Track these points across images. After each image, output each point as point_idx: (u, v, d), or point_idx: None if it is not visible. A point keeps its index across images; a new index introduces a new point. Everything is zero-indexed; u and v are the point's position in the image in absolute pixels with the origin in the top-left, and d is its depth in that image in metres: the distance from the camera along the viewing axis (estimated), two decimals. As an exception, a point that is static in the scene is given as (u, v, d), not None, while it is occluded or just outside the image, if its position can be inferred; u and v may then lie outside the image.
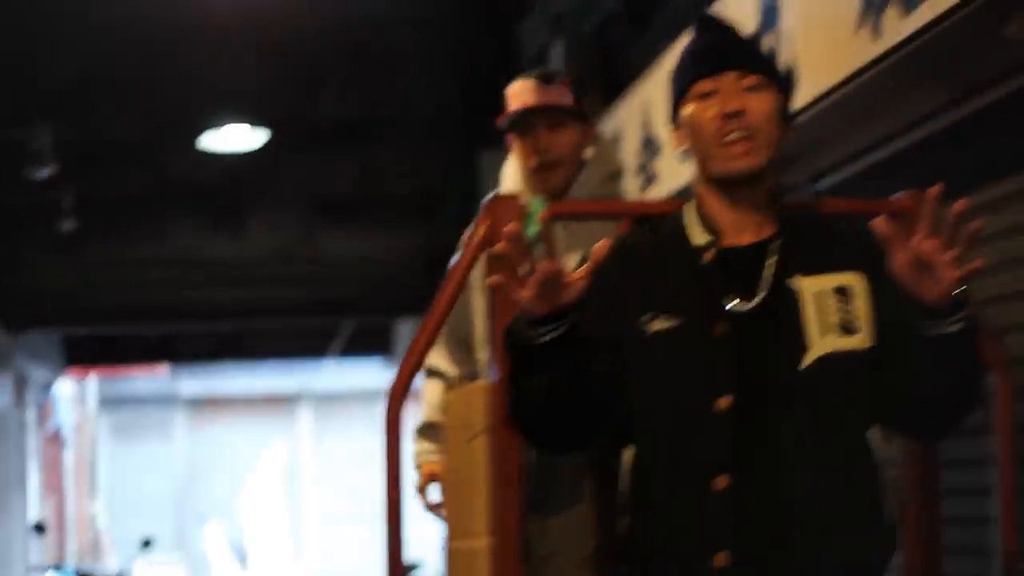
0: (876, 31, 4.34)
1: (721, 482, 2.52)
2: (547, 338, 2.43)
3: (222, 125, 11.19)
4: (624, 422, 2.61)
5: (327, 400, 23.22)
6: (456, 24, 12.06)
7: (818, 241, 2.67)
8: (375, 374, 16.69)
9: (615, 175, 3.92)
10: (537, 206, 3.04)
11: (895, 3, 4.21)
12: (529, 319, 2.42)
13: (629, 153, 7.04)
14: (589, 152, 3.82)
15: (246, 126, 11.24)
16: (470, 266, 3.08)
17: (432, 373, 3.84)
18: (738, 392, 2.54)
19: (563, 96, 3.74)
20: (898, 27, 4.20)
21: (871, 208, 3.57)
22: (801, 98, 4.96)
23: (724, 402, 2.54)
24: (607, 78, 8.60)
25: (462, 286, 3.10)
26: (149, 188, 11.84)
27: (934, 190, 2.44)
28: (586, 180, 3.77)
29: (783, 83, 2.71)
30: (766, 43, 5.24)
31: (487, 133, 10.27)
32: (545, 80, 3.75)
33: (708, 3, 5.99)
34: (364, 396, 20.70)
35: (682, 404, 2.57)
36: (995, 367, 3.24)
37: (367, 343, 15.02)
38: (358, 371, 18.38)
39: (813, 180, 5.59)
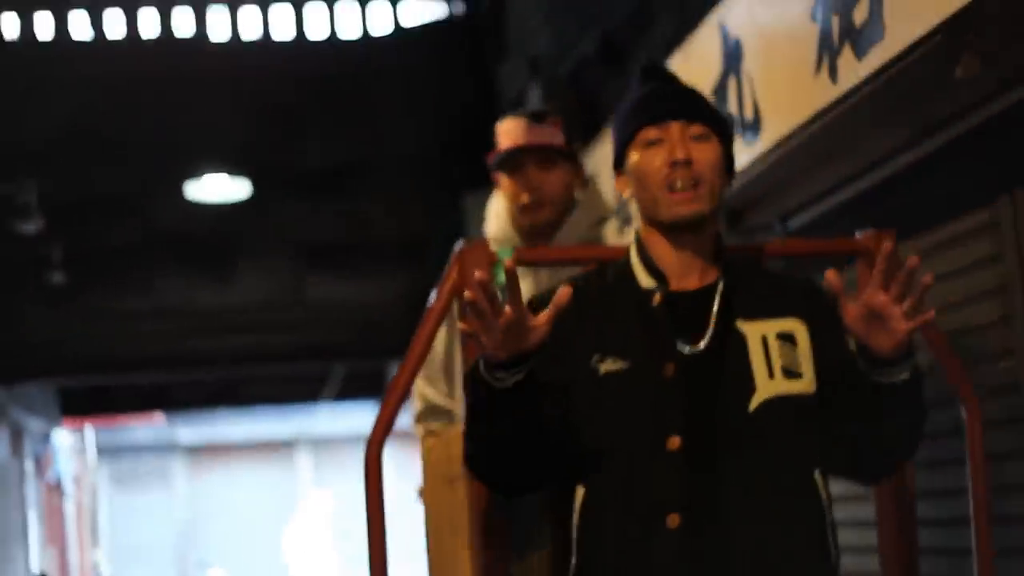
0: (833, 74, 4.44)
1: (672, 520, 2.56)
2: (507, 383, 2.48)
3: (207, 176, 11.28)
4: (575, 462, 2.65)
5: (324, 444, 23.22)
6: (437, 69, 12.17)
7: (761, 288, 2.73)
8: (370, 417, 16.68)
9: (602, 220, 3.94)
10: (505, 254, 3.10)
11: (849, 47, 4.30)
12: (491, 363, 2.47)
13: (605, 194, 7.10)
14: (579, 195, 3.83)
15: (231, 176, 11.33)
16: (443, 311, 3.13)
17: (436, 410, 3.86)
18: (687, 432, 2.59)
19: (554, 136, 3.75)
20: (854, 70, 4.29)
21: (834, 247, 3.68)
22: (766, 139, 5.07)
23: (674, 442, 2.59)
24: (583, 120, 8.69)
25: (435, 331, 3.14)
26: (137, 239, 11.88)
27: (887, 245, 2.50)
28: (577, 222, 3.79)
29: (726, 134, 2.76)
30: (729, 86, 5.35)
31: (471, 176, 10.41)
32: (536, 119, 3.76)
33: (674, 47, 6.11)
34: (360, 439, 20.70)
35: (633, 444, 2.61)
36: (964, 399, 3.32)
37: (360, 387, 15.05)
38: (353, 415, 18.40)
39: (782, 220, 5.66)
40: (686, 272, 2.70)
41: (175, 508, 24.04)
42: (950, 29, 3.82)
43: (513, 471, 2.66)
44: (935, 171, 4.71)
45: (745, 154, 5.26)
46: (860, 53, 4.24)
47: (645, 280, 2.72)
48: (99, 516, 21.57)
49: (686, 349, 2.65)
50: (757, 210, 5.70)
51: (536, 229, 3.76)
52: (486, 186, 3.98)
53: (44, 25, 12.26)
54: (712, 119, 2.74)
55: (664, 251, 2.71)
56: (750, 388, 2.63)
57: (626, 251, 2.80)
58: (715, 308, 2.68)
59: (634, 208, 2.77)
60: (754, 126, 5.15)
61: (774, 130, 4.98)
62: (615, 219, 6.99)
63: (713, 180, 2.67)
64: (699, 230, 2.69)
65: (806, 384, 2.65)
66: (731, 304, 2.69)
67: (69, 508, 18.68)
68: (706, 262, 2.72)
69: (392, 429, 3.12)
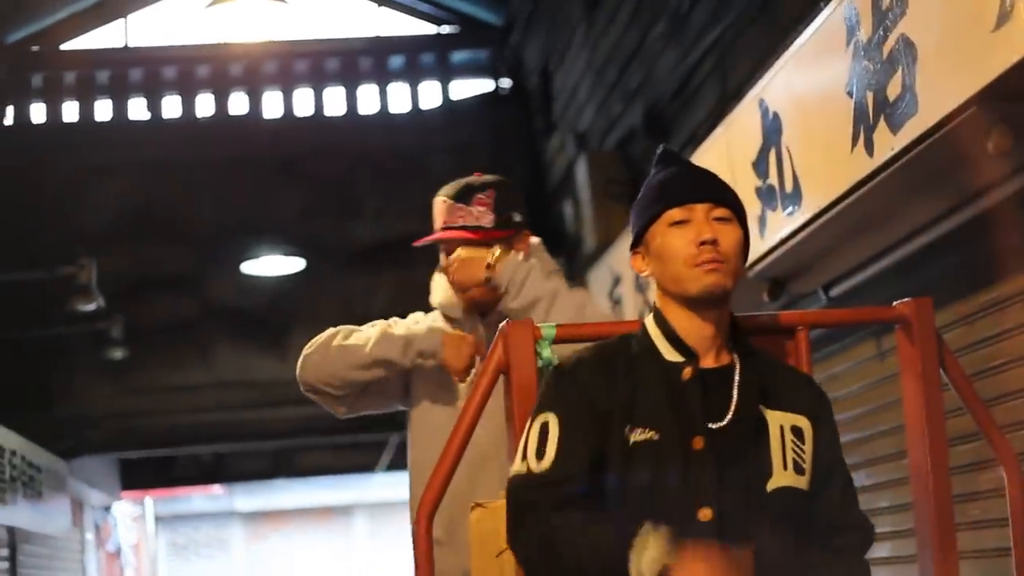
0: (869, 147, 4.54)
1: None
2: None
3: (261, 253, 11.44)
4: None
5: (381, 508, 23.22)
6: (486, 143, 12.30)
7: (777, 379, 2.82)
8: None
9: (554, 272, 3.78)
10: (549, 330, 3.10)
11: (884, 120, 4.41)
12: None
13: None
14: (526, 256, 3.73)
15: (285, 254, 11.49)
16: (489, 388, 3.09)
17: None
18: (718, 504, 2.65)
19: (481, 217, 3.65)
20: (889, 143, 4.39)
21: (872, 316, 3.74)
22: (807, 210, 5.16)
23: (706, 513, 2.64)
24: (630, 190, 8.82)
25: (482, 407, 3.08)
26: (194, 314, 12.06)
27: None
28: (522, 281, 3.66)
29: (745, 219, 2.82)
30: (770, 159, 5.45)
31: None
32: (462, 199, 3.66)
33: (716, 120, 6.23)
34: (416, 505, 20.67)
35: (666, 514, 2.63)
36: (1004, 463, 3.30)
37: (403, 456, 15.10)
38: (391, 482, 18.35)
39: (824, 288, 5.74)
40: (708, 348, 2.77)
41: (233, 574, 24.10)
42: (982, 102, 3.91)
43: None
44: (971, 240, 4.78)
45: (786, 225, 5.35)
46: (894, 127, 4.34)
47: (669, 354, 2.77)
48: (158, 584, 21.71)
49: (712, 424, 2.71)
50: (799, 279, 5.78)
51: (477, 307, 3.72)
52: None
53: (102, 108, 12.54)
54: (734, 204, 2.80)
55: (688, 326, 2.76)
56: (768, 471, 2.71)
57: (642, 326, 2.84)
58: (735, 387, 2.74)
59: (654, 285, 2.83)
60: (794, 197, 5.24)
61: (814, 201, 5.07)
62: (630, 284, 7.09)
63: (735, 260, 2.74)
64: (720, 306, 2.76)
65: (806, 482, 2.75)
66: (750, 388, 2.76)
67: (129, 576, 18.82)
68: (723, 342, 2.78)
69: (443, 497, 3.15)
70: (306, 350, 3.75)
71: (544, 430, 2.75)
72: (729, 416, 2.73)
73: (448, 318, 3.77)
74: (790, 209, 5.28)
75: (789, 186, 5.27)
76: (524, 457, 2.77)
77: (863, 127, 4.57)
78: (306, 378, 3.73)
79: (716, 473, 2.67)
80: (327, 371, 3.69)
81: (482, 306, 3.69)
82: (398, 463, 15.38)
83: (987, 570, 4.75)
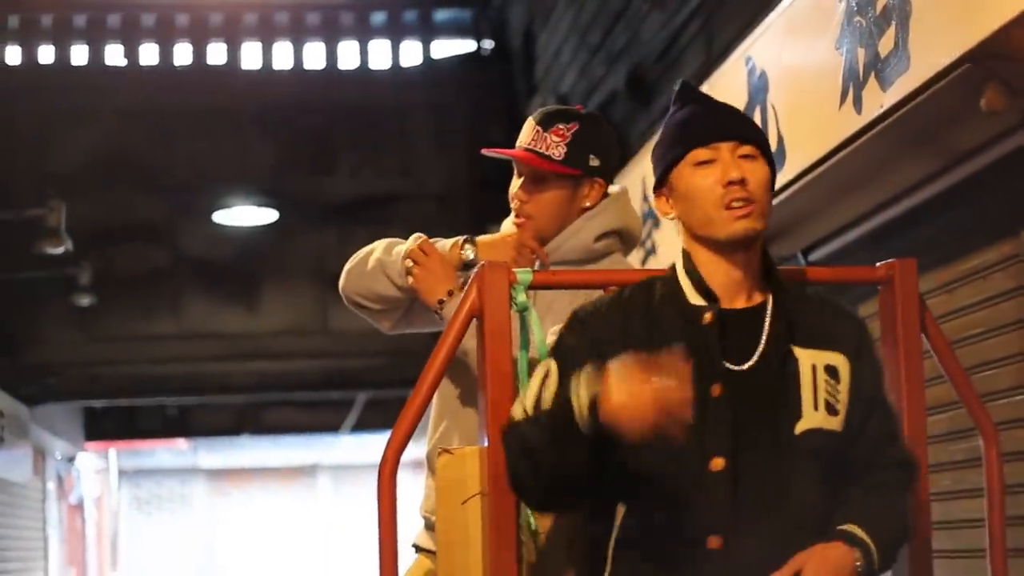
0: (857, 105, 4.47)
1: (713, 542, 2.56)
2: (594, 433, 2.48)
3: (234, 204, 11.37)
4: (620, 480, 2.64)
5: (345, 470, 23.24)
6: (466, 103, 12.24)
7: (811, 316, 2.72)
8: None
9: (609, 233, 3.55)
10: (525, 275, 3.04)
11: (874, 78, 4.34)
12: (587, 420, 2.46)
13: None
14: (591, 205, 3.51)
15: (258, 205, 11.42)
16: (461, 333, 3.06)
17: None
18: (732, 454, 2.58)
19: (553, 147, 3.43)
20: (878, 101, 4.32)
21: (854, 276, 3.66)
22: (789, 170, 5.09)
23: (718, 463, 2.58)
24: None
25: (452, 353, 3.06)
26: (164, 263, 11.97)
27: None
28: (573, 237, 3.50)
29: (771, 154, 2.74)
30: (754, 118, 5.37)
31: (497, 209, 10.44)
32: (545, 124, 3.45)
33: (701, 80, 6.15)
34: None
35: (677, 464, 2.59)
36: (982, 430, 3.27)
37: (382, 415, 15.06)
38: (375, 442, 18.35)
39: (804, 252, 5.69)
40: (737, 290, 2.69)
41: (195, 531, 24.09)
42: (975, 59, 3.84)
43: (568, 496, 2.67)
44: (958, 203, 4.74)
45: (769, 184, 5.29)
46: (885, 84, 4.28)
47: (694, 298, 2.69)
48: (119, 538, 21.64)
49: (734, 367, 2.64)
50: (779, 242, 5.70)
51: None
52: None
53: (79, 52, 12.41)
54: (762, 140, 2.73)
55: (715, 269, 2.68)
56: (797, 413, 2.63)
57: (671, 269, 2.77)
58: (766, 328, 2.67)
59: (679, 227, 2.74)
60: (778, 157, 5.16)
61: (797, 161, 5.01)
62: (638, 250, 7.02)
63: (764, 199, 2.66)
64: (751, 248, 2.68)
65: (839, 423, 2.66)
66: (783, 326, 2.68)
67: (90, 529, 18.76)
68: (755, 281, 2.71)
69: (405, 452, 3.09)
70: (348, 263, 3.61)
71: (544, 378, 2.70)
72: (755, 357, 2.65)
73: None
74: (773, 169, 5.21)
75: (774, 145, 5.18)
76: (520, 402, 2.73)
77: (852, 84, 4.50)
78: (345, 290, 3.58)
79: (735, 419, 2.61)
80: (363, 284, 3.54)
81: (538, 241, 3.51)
82: (365, 423, 15.38)
83: (958, 539, 4.71)
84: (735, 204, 2.62)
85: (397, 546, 3.06)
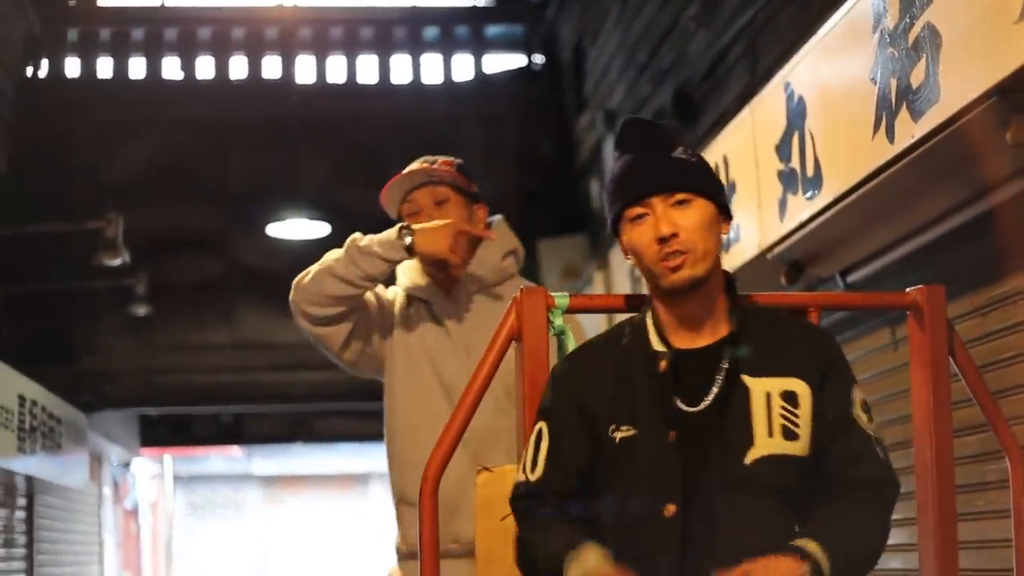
0: (890, 134, 4.57)
1: None
2: None
3: (288, 216, 11.51)
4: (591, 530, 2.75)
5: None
6: (516, 118, 12.33)
7: (772, 343, 2.77)
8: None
9: (512, 252, 3.94)
10: (562, 300, 3.14)
11: (906, 108, 4.44)
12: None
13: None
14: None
15: (311, 218, 11.55)
16: (501, 355, 3.13)
17: None
18: (685, 499, 2.65)
19: (447, 174, 3.79)
20: (909, 131, 4.42)
21: (884, 302, 3.77)
22: (826, 195, 5.19)
23: (670, 509, 2.65)
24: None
25: (492, 374, 3.13)
26: (218, 274, 12.13)
27: None
28: (484, 258, 3.85)
29: (713, 189, 2.77)
30: (793, 142, 5.47)
31: (545, 223, 10.52)
32: (429, 161, 3.83)
33: (743, 103, 6.25)
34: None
35: (635, 509, 2.68)
36: (1010, 454, 3.32)
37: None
38: (367, 453, 18.32)
39: (842, 274, 5.76)
40: (695, 331, 2.76)
41: (248, 537, 24.26)
42: (1002, 92, 3.93)
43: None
44: (990, 230, 4.80)
45: (806, 209, 5.37)
46: (916, 114, 4.37)
47: (656, 343, 2.78)
48: (173, 543, 21.82)
49: (688, 409, 2.70)
50: (817, 264, 5.79)
51: (439, 272, 3.82)
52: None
53: (136, 65, 12.61)
54: (691, 185, 2.75)
55: (668, 316, 2.77)
56: (748, 442, 2.68)
57: (642, 313, 2.86)
58: (722, 363, 2.73)
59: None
60: (815, 181, 5.26)
61: (834, 186, 5.10)
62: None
63: (704, 240, 2.70)
64: (700, 289, 2.74)
65: (802, 447, 2.70)
66: (738, 358, 2.73)
67: (145, 534, 18.95)
68: (716, 317, 2.77)
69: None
70: (294, 283, 3.84)
71: (538, 439, 2.82)
72: (710, 396, 2.71)
73: (413, 299, 3.87)
74: (810, 193, 5.31)
75: (811, 170, 5.30)
76: (522, 466, 2.84)
77: (885, 114, 4.59)
78: (295, 301, 3.84)
79: (686, 466, 2.67)
80: (312, 292, 3.78)
81: (446, 278, 3.78)
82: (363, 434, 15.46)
83: (989, 559, 4.78)
84: (669, 258, 2.69)
85: (438, 560, 3.19)
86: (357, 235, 3.75)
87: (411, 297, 3.88)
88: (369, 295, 3.84)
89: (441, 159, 3.84)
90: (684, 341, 2.78)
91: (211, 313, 12.09)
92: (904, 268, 5.36)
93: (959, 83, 4.11)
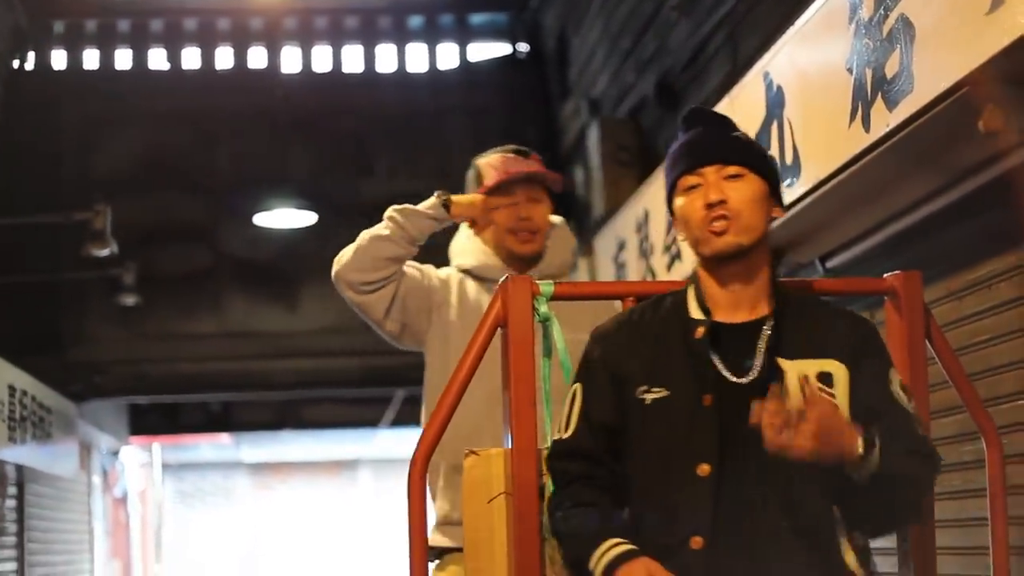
0: (866, 123, 4.65)
1: (696, 543, 2.73)
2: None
3: (274, 206, 11.56)
4: (622, 486, 2.86)
5: (385, 464, 23.36)
6: (501, 106, 12.38)
7: (810, 325, 2.87)
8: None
9: (575, 250, 4.19)
10: (547, 287, 3.24)
11: (881, 98, 4.52)
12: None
13: (657, 231, 7.33)
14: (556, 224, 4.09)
15: (297, 207, 11.61)
16: (487, 342, 3.22)
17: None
18: (719, 460, 2.75)
19: (554, 181, 4.01)
20: (884, 120, 4.50)
21: (861, 287, 3.85)
22: (805, 182, 5.27)
23: (704, 468, 2.75)
24: (640, 157, 8.92)
25: (478, 361, 3.22)
26: (206, 264, 12.18)
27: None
28: (558, 250, 4.03)
29: (766, 169, 2.91)
30: (772, 131, 5.56)
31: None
32: (521, 154, 4.01)
33: (724, 92, 6.33)
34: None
35: (668, 468, 2.78)
36: (985, 435, 3.43)
37: (419, 411, 15.19)
38: (413, 437, 18.41)
39: (822, 259, 5.85)
40: (735, 305, 2.87)
41: (237, 524, 24.30)
42: (974, 82, 4.01)
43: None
44: (965, 216, 4.89)
45: (786, 196, 5.44)
46: (891, 104, 4.45)
47: (695, 312, 2.89)
48: (163, 531, 21.86)
49: (730, 379, 2.81)
50: (797, 250, 5.88)
51: (526, 258, 3.97)
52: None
53: (123, 57, 12.64)
54: (746, 159, 2.89)
55: (713, 285, 2.88)
56: None
57: (685, 283, 2.98)
58: (761, 342, 2.83)
59: (656, 251, 2.96)
60: (794, 169, 5.35)
61: (812, 173, 5.18)
62: (664, 254, 7.22)
63: (751, 213, 2.83)
64: (742, 262, 2.85)
65: None
66: (778, 339, 2.83)
67: (134, 522, 18.98)
68: (757, 295, 2.88)
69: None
70: (338, 258, 4.02)
71: (572, 400, 2.95)
72: (750, 373, 2.81)
73: (478, 279, 3.98)
74: (789, 180, 5.39)
75: (789, 158, 5.38)
76: (558, 426, 2.97)
77: (861, 103, 4.67)
78: (341, 275, 4.00)
79: (722, 429, 2.76)
80: (362, 259, 3.96)
81: (530, 261, 3.95)
82: (402, 419, 15.54)
83: (966, 537, 4.87)
84: (715, 223, 2.82)
85: (426, 544, 3.23)
86: (394, 206, 3.98)
87: (477, 277, 4.01)
88: (414, 272, 3.99)
89: (531, 154, 4.03)
90: (724, 314, 2.88)
91: (199, 302, 12.14)
92: (883, 253, 5.44)
93: (932, 73, 4.19)
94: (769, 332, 2.84)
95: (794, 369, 2.79)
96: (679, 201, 2.89)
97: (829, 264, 5.82)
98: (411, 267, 4.02)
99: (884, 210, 5.23)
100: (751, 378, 2.80)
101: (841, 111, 4.82)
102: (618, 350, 2.88)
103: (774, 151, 5.55)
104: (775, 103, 5.52)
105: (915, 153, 4.58)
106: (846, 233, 5.59)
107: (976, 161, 4.55)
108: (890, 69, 4.44)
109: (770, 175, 2.92)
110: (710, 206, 2.82)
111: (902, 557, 3.27)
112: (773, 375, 2.77)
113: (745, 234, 2.83)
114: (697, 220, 2.84)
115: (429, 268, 4.08)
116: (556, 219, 4.09)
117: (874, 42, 4.56)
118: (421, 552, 3.22)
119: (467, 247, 4.07)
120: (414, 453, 3.22)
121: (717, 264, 2.87)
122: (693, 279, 2.94)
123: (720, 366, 2.82)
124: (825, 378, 2.80)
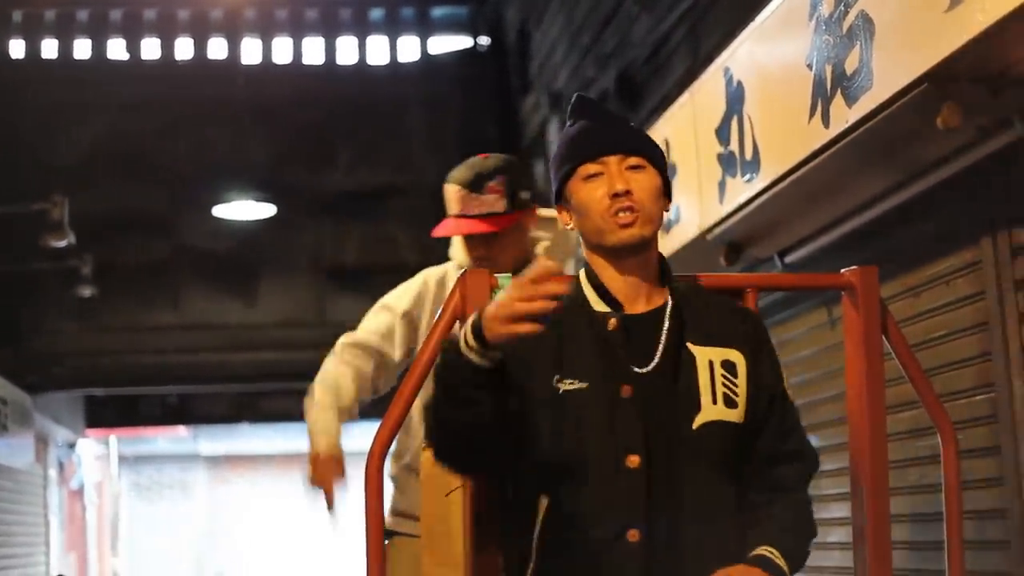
0: (825, 119, 4.67)
1: (633, 535, 2.70)
2: (487, 362, 2.57)
3: (234, 197, 11.54)
4: (539, 473, 2.79)
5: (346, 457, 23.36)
6: (462, 99, 12.39)
7: (708, 314, 2.88)
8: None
9: (567, 259, 4.09)
10: (506, 281, 3.14)
11: (841, 95, 4.54)
12: (474, 344, 2.55)
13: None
14: (545, 233, 4.01)
15: (257, 199, 11.59)
16: (445, 333, 3.14)
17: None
18: (645, 450, 2.72)
19: (494, 204, 3.82)
20: (844, 116, 4.52)
21: (819, 282, 3.87)
22: (764, 178, 5.30)
23: (634, 460, 2.71)
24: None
25: (437, 353, 3.00)
26: (164, 255, 12.15)
27: None
28: (561, 244, 4.01)
29: (662, 163, 2.87)
30: (732, 126, 5.57)
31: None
32: (475, 188, 3.83)
33: (684, 87, 6.35)
34: (379, 456, 20.84)
35: (595, 460, 2.73)
36: (941, 430, 3.40)
37: (376, 405, 15.19)
38: (370, 430, 18.46)
39: (780, 254, 5.87)
40: (635, 295, 2.84)
41: (195, 517, 24.24)
42: (932, 79, 4.04)
43: (470, 450, 2.78)
44: (924, 212, 4.92)
45: (745, 191, 5.48)
46: (850, 100, 4.47)
47: (598, 305, 2.85)
48: (119, 524, 21.79)
49: (639, 369, 2.78)
50: (755, 245, 5.90)
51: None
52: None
53: (81, 46, 12.58)
54: (647, 151, 2.86)
55: (612, 276, 2.85)
56: (696, 408, 2.77)
57: (575, 278, 2.92)
58: (665, 330, 2.81)
59: (577, 237, 2.94)
60: (753, 164, 5.37)
61: (771, 169, 5.20)
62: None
63: (651, 206, 2.80)
64: (642, 253, 2.83)
65: (739, 415, 2.80)
66: (680, 327, 2.82)
67: (90, 515, 18.91)
68: (652, 285, 2.86)
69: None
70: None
71: None
72: (657, 359, 2.79)
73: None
74: (748, 176, 5.41)
75: (749, 153, 5.40)
76: None
77: (821, 99, 4.69)
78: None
79: (644, 419, 2.74)
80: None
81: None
82: (362, 412, 15.53)
83: (922, 531, 4.90)
84: (621, 214, 2.78)
85: (383, 539, 3.22)
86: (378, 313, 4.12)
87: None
88: (391, 325, 4.09)
89: (489, 183, 3.84)
90: (626, 306, 2.85)
91: (157, 294, 12.10)
92: (841, 249, 5.47)
93: (892, 70, 4.21)
94: (670, 320, 2.83)
95: (703, 355, 2.80)
96: (577, 190, 2.83)
97: (788, 259, 5.84)
98: (384, 330, 4.09)
99: (843, 206, 5.25)
100: (655, 365, 2.78)
101: (801, 107, 4.83)
102: (521, 345, 2.71)
103: (734, 146, 5.57)
104: (735, 98, 5.53)
105: (874, 149, 4.60)
106: (805, 228, 5.61)
107: (934, 157, 4.58)
108: (850, 65, 4.46)
109: (664, 169, 2.90)
110: (616, 196, 2.78)
111: (857, 551, 3.29)
112: (681, 361, 2.78)
113: (649, 226, 2.80)
114: (601, 210, 2.79)
115: (399, 300, 4.07)
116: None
117: (834, 38, 4.58)
118: (377, 548, 3.21)
119: (458, 246, 4.07)
120: (371, 447, 3.20)
121: (617, 255, 2.83)
122: (587, 271, 2.89)
123: (631, 357, 2.79)
124: (729, 366, 2.81)
